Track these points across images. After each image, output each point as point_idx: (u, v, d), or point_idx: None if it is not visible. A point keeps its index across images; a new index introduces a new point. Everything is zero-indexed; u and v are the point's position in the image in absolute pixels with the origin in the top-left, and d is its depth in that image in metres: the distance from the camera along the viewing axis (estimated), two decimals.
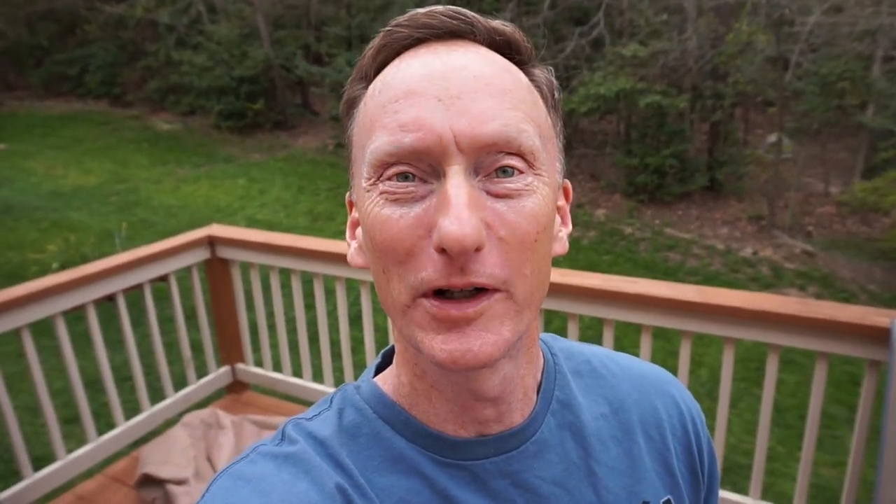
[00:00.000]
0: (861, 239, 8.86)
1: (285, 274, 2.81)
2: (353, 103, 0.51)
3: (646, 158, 9.85)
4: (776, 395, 2.07)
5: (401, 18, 0.48)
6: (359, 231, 0.53)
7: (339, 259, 2.57)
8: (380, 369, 0.59)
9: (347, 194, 0.55)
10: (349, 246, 0.55)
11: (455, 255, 0.41)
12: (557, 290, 2.07)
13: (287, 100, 15.05)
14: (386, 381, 0.56)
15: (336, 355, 2.85)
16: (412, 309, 0.44)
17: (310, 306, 2.81)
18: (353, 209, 0.55)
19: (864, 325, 1.71)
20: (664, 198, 9.93)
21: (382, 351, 0.61)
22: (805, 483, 1.97)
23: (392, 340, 0.62)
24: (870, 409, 1.81)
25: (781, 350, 1.95)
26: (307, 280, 2.81)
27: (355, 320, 2.87)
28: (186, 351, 2.90)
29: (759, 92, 10.67)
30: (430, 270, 0.43)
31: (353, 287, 2.84)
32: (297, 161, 12.68)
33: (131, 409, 2.75)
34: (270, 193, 10.89)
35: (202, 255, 2.87)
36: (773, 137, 10.54)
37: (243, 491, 0.47)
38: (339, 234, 9.00)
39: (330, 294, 2.79)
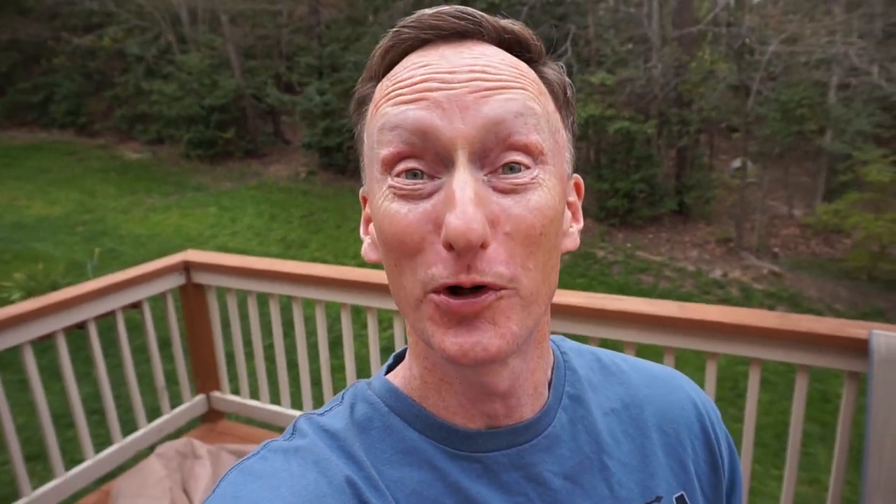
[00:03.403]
0: (825, 259, 9.11)
1: (262, 299, 2.77)
2: (362, 101, 0.52)
3: (616, 183, 10.03)
4: None
5: (409, 19, 0.49)
6: (372, 227, 0.54)
7: (317, 282, 2.54)
8: (390, 371, 0.59)
9: (361, 189, 0.56)
10: (363, 241, 0.55)
11: (461, 251, 0.42)
12: None
13: (258, 128, 15.02)
14: (397, 376, 0.56)
15: (315, 382, 2.80)
16: (424, 304, 0.45)
17: (287, 334, 2.77)
18: (367, 204, 0.55)
19: (842, 336, 1.74)
20: (635, 221, 10.10)
21: (394, 353, 0.61)
22: (790, 499, 1.97)
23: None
24: (850, 421, 1.84)
25: (762, 365, 1.96)
26: (285, 305, 2.76)
27: (334, 346, 2.83)
28: (160, 379, 2.81)
29: (723, 118, 11.00)
30: (439, 267, 0.43)
31: (332, 310, 2.80)
32: (268, 189, 12.60)
33: (100, 443, 2.64)
34: (242, 221, 10.77)
35: (177, 280, 2.80)
36: (737, 162, 10.85)
37: (253, 486, 0.47)
38: (314, 261, 8.91)
39: (308, 320, 2.74)
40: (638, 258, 9.18)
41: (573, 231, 0.54)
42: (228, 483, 0.48)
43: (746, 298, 7.97)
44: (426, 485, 0.49)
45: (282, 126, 15.65)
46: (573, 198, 0.55)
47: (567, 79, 0.53)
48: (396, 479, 0.49)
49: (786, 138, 9.64)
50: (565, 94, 0.53)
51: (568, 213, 0.54)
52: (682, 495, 0.57)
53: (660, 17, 10.78)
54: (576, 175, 0.56)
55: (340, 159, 12.93)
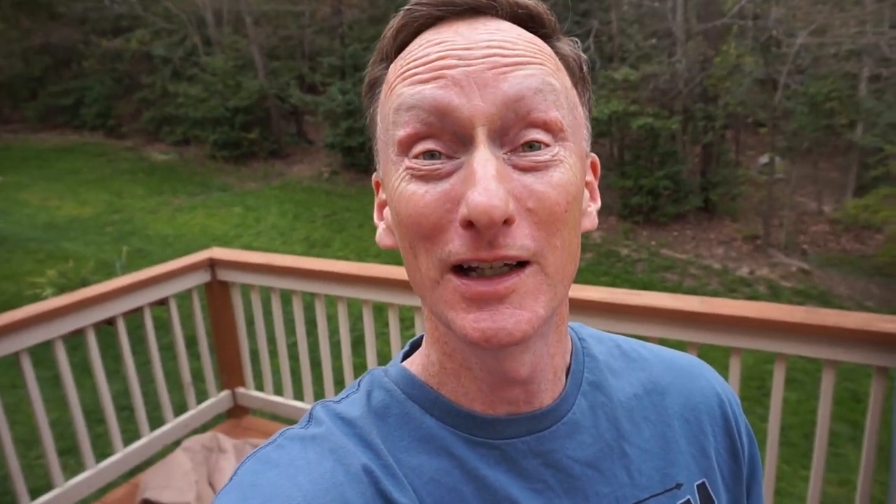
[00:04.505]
0: (856, 256, 8.91)
1: (286, 297, 2.80)
2: (374, 84, 0.51)
3: (640, 180, 9.93)
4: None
5: None
6: (386, 212, 0.53)
7: (339, 279, 2.56)
8: (406, 358, 0.59)
9: (374, 175, 0.55)
10: (377, 227, 0.55)
11: (483, 228, 0.40)
12: None
13: (282, 129, 15.16)
14: (414, 363, 0.56)
15: (338, 381, 2.83)
16: (441, 285, 0.44)
17: (310, 332, 2.79)
18: (381, 189, 0.55)
19: (870, 331, 1.71)
20: (659, 219, 9.98)
21: (410, 340, 0.60)
22: (816, 499, 1.94)
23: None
24: (878, 418, 1.80)
25: (787, 360, 1.93)
26: (308, 302, 2.79)
27: (356, 345, 2.86)
28: (186, 375, 2.86)
29: (750, 113, 10.82)
30: (456, 243, 0.42)
31: (354, 308, 2.82)
32: (292, 189, 12.72)
33: (129, 437, 2.70)
34: (266, 221, 10.89)
35: (202, 277, 2.85)
36: (765, 158, 10.67)
37: (270, 474, 0.46)
38: (337, 258, 8.98)
39: (331, 319, 2.77)
40: (662, 256, 9.08)
41: (591, 211, 0.54)
42: (246, 471, 0.48)
43: (774, 296, 7.83)
44: (444, 472, 0.49)
45: (305, 126, 15.78)
46: (590, 177, 0.54)
47: (583, 54, 0.52)
48: (414, 467, 0.49)
49: (814, 133, 9.45)
50: (581, 69, 0.51)
51: (586, 193, 0.53)
52: (703, 483, 0.57)
53: (684, 10, 10.64)
54: (592, 154, 0.54)
55: (363, 159, 13.01)
